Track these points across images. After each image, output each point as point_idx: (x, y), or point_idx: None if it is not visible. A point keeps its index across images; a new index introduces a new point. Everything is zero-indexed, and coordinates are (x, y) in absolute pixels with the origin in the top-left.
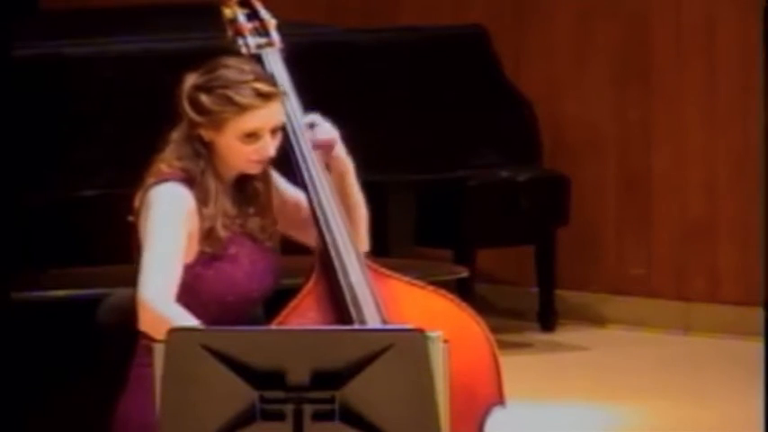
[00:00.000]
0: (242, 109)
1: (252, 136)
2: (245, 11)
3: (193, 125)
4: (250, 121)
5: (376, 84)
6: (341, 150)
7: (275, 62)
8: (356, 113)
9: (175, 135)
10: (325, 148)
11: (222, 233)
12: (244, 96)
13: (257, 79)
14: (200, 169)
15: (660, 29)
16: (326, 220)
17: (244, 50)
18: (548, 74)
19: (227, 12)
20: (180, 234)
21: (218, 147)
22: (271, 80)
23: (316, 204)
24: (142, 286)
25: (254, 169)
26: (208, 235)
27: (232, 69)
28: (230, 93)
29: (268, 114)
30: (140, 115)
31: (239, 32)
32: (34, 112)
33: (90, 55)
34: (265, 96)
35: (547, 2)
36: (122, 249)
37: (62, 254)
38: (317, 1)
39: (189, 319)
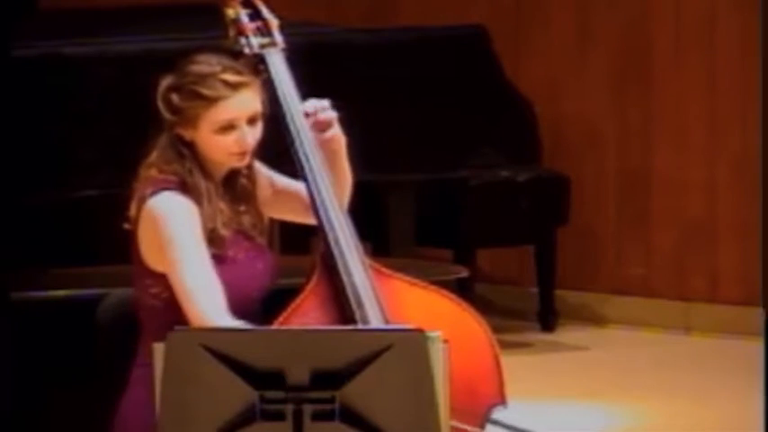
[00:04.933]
0: (210, 101)
1: (227, 127)
2: (248, 11)
3: (171, 126)
4: (222, 113)
5: (376, 84)
6: (337, 129)
7: (278, 62)
8: (356, 113)
9: (160, 140)
10: (323, 127)
11: (223, 232)
12: (211, 88)
13: (224, 70)
14: (186, 170)
15: (660, 28)
16: (329, 220)
17: (246, 50)
18: (548, 74)
19: (230, 12)
20: (204, 247)
21: (199, 144)
22: (240, 70)
23: (318, 204)
24: (201, 316)
25: (237, 162)
26: (210, 236)
27: (200, 64)
28: (198, 87)
29: (239, 103)
30: (140, 115)
31: (242, 32)
32: (34, 112)
33: (90, 55)
34: (233, 86)
35: (547, 2)
36: (122, 249)
37: (62, 254)
38: (317, 1)
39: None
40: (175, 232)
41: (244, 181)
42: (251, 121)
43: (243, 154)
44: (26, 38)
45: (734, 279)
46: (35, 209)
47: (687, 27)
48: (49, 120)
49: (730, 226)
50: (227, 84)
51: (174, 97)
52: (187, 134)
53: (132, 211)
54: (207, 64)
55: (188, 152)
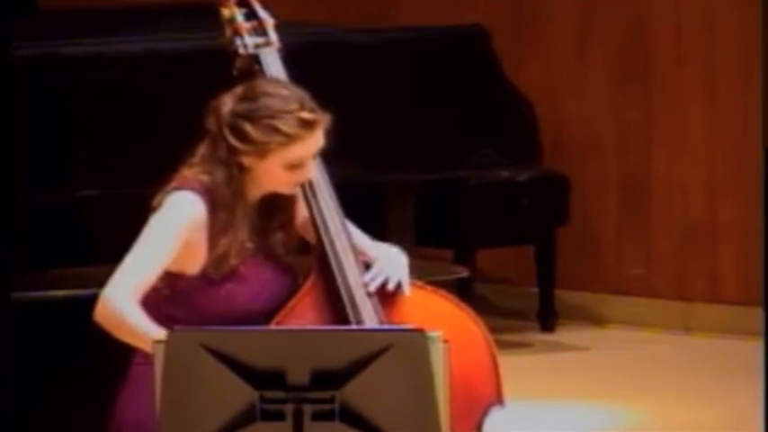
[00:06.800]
0: (289, 139)
1: (296, 165)
2: (243, 10)
3: (234, 152)
4: (296, 151)
5: (376, 84)
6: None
7: (273, 62)
8: (356, 114)
9: (204, 150)
10: None
11: (234, 261)
12: (290, 126)
13: (302, 108)
14: (230, 192)
15: (660, 29)
16: (324, 222)
17: (242, 50)
18: (548, 74)
19: (226, 11)
20: (171, 247)
21: (258, 171)
22: (312, 106)
23: (313, 206)
24: (111, 284)
25: (289, 191)
26: (217, 260)
27: (275, 98)
28: (276, 123)
29: (313, 142)
30: (140, 115)
31: (237, 32)
32: (34, 113)
33: (90, 55)
34: (310, 125)
35: (547, 2)
36: (123, 249)
37: (62, 254)
38: (317, 1)
39: (147, 323)
40: (156, 224)
41: (285, 200)
42: (314, 156)
43: (299, 185)
44: (26, 38)
45: (734, 279)
46: (35, 209)
47: (687, 27)
48: (48, 119)
49: (730, 226)
50: (305, 123)
51: (249, 128)
52: (248, 161)
53: (154, 202)
54: (281, 98)
55: (239, 176)
